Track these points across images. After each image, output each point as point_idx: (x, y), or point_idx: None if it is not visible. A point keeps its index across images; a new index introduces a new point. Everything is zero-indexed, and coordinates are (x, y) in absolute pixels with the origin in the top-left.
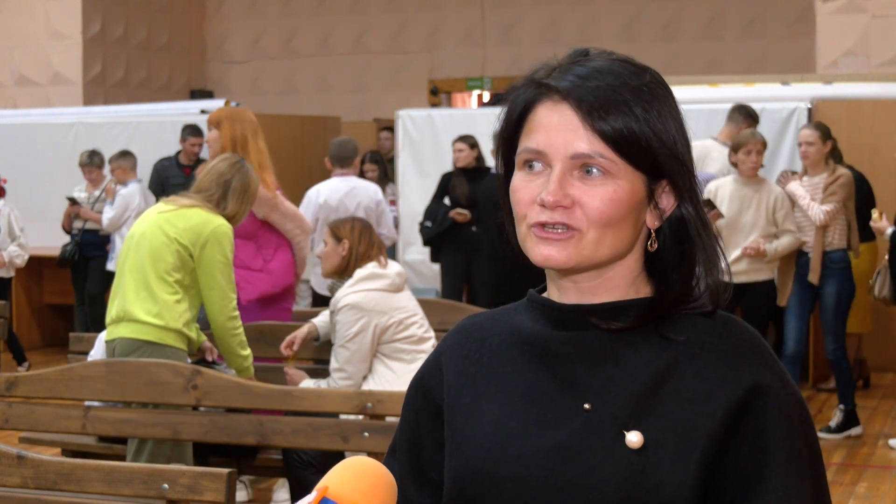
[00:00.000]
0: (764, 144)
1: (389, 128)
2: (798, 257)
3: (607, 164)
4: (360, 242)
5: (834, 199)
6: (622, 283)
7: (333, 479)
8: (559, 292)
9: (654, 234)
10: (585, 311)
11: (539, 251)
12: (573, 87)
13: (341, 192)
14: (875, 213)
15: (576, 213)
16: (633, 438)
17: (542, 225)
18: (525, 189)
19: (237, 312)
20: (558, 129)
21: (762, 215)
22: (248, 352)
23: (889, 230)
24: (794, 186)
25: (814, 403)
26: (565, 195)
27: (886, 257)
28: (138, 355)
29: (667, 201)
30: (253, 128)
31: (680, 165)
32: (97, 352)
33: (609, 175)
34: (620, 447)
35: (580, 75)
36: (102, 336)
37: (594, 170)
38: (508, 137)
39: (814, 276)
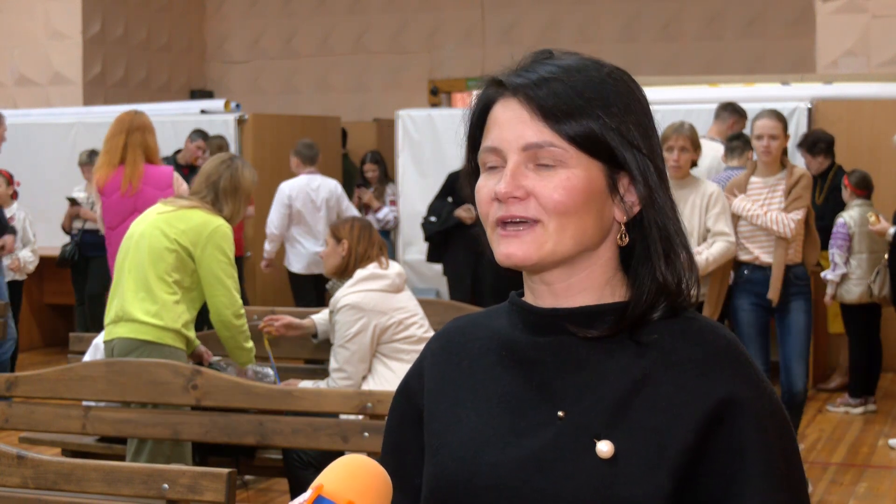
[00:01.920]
0: (691, 141)
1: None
2: (745, 272)
3: (559, 154)
4: (360, 242)
5: (801, 205)
6: (596, 284)
7: (328, 478)
8: (534, 295)
9: (623, 228)
10: (561, 315)
11: (501, 250)
12: (523, 83)
13: (309, 187)
14: (871, 217)
15: (530, 204)
16: (604, 448)
17: (503, 223)
18: (484, 188)
19: (243, 310)
20: (510, 123)
21: (697, 220)
22: (251, 345)
23: (891, 230)
24: (739, 204)
25: (814, 403)
26: (518, 186)
27: (886, 256)
28: (137, 355)
29: (633, 195)
30: (117, 127)
31: (637, 153)
32: (90, 357)
33: (562, 164)
34: (591, 457)
35: (535, 71)
36: (96, 342)
37: (548, 160)
38: (472, 138)
39: (775, 294)
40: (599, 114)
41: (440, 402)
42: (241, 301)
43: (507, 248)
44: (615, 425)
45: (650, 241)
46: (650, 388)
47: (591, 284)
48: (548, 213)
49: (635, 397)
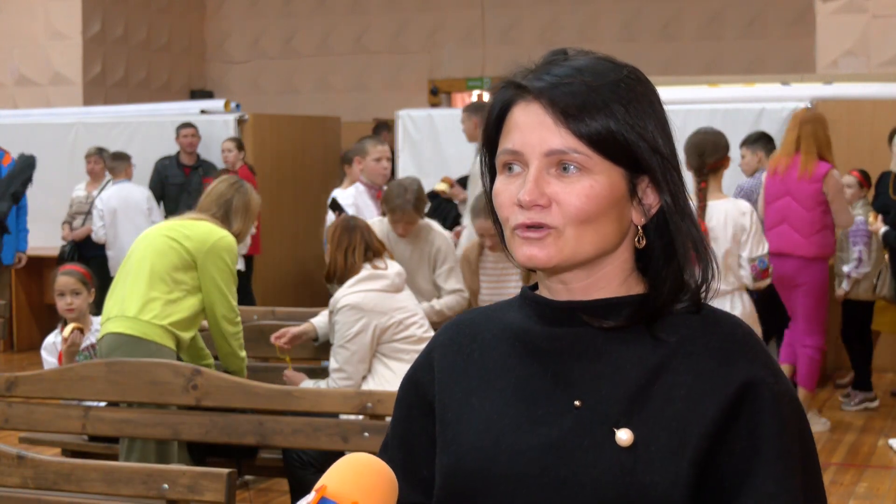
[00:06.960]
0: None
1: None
2: None
3: (583, 160)
4: (338, 248)
5: None
6: (613, 282)
7: (332, 478)
8: (550, 292)
9: (641, 231)
10: (578, 308)
11: (522, 252)
12: (546, 87)
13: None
14: (871, 218)
15: (552, 211)
16: (623, 436)
17: (525, 226)
18: (505, 192)
19: (239, 319)
20: (532, 127)
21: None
22: (244, 354)
23: (881, 230)
24: None
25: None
26: (541, 194)
27: (887, 256)
28: (122, 351)
29: (652, 197)
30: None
31: (661, 159)
32: (46, 356)
33: (585, 171)
34: (611, 445)
35: (555, 74)
36: (46, 343)
37: (571, 167)
38: (489, 140)
39: None
40: (621, 117)
41: (452, 392)
42: (237, 310)
43: (530, 251)
44: (633, 414)
45: (674, 242)
46: (668, 377)
47: (608, 283)
48: (567, 220)
49: (653, 386)
